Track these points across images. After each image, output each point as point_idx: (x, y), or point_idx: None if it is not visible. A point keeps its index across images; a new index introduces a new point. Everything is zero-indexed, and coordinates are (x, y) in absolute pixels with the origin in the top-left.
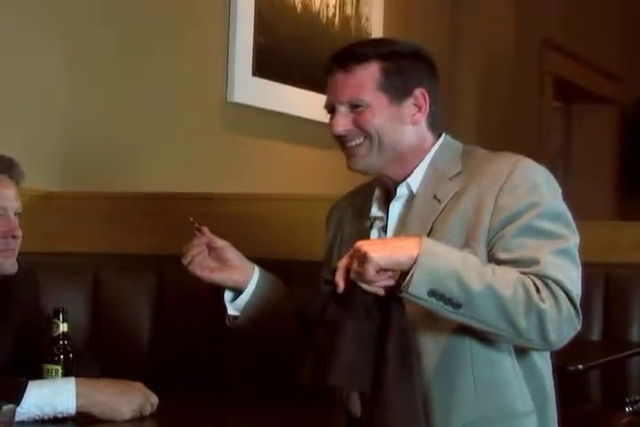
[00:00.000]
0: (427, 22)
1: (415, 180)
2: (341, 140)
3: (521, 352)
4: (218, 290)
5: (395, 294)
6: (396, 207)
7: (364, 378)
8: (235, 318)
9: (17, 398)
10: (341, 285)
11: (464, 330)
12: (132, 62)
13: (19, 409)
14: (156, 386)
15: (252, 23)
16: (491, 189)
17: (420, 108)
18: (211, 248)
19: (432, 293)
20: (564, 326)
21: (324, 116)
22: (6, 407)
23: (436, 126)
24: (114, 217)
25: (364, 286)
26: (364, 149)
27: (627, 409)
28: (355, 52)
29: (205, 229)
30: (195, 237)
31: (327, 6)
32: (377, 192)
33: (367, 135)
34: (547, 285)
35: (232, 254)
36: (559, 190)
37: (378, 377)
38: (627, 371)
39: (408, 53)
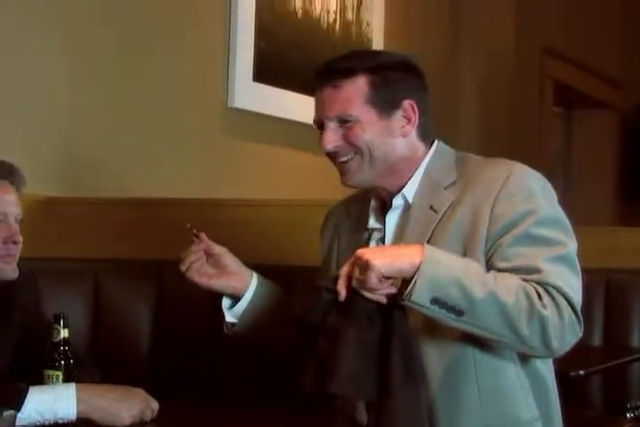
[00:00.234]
0: (427, 27)
1: (410, 190)
2: (332, 157)
3: (524, 360)
4: (216, 296)
5: (397, 302)
6: (392, 218)
7: (367, 386)
8: (233, 325)
9: (18, 403)
10: (343, 293)
11: (467, 338)
12: (133, 66)
13: (19, 415)
14: (157, 391)
15: (252, 28)
16: (486, 198)
17: (409, 120)
18: (209, 255)
19: (435, 300)
20: (565, 332)
21: (316, 126)
22: (7, 413)
23: (428, 136)
24: (114, 222)
25: (365, 293)
26: (356, 163)
27: (628, 415)
28: (341, 66)
29: (203, 235)
30: (192, 243)
31: (328, 12)
32: (373, 203)
33: (357, 150)
34: (548, 291)
35: (230, 261)
36: (555, 196)
37: (382, 385)
38: (628, 377)
39: (395, 65)
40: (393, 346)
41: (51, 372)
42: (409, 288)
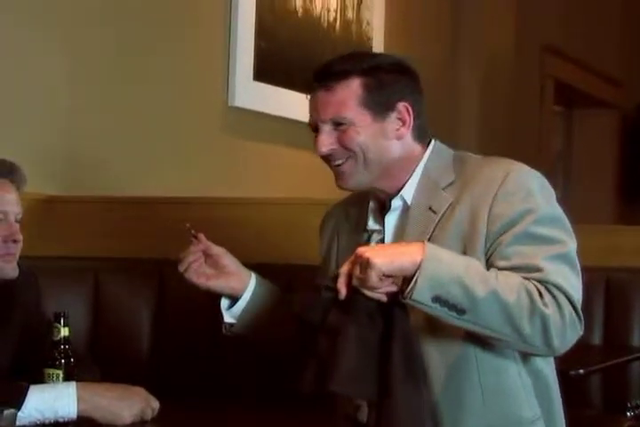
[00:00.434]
0: (427, 26)
1: (409, 191)
2: (327, 160)
3: (525, 358)
4: (216, 295)
5: (398, 301)
6: (391, 220)
7: (367, 385)
8: (231, 325)
9: (18, 402)
10: (343, 291)
11: (468, 337)
12: (133, 66)
13: (20, 414)
14: (157, 390)
15: (252, 27)
16: (485, 198)
17: (404, 123)
18: (207, 255)
19: (436, 299)
20: (567, 330)
21: (311, 128)
22: (7, 412)
23: (423, 137)
24: (114, 221)
25: (366, 292)
26: (350, 166)
27: (628, 414)
28: (335, 68)
29: (202, 235)
30: (191, 243)
31: (328, 11)
32: (372, 204)
33: (352, 153)
34: (549, 290)
35: (228, 261)
36: (553, 195)
37: (383, 384)
38: (628, 375)
39: (389, 67)
40: (394, 345)
41: (51, 370)
42: (410, 286)
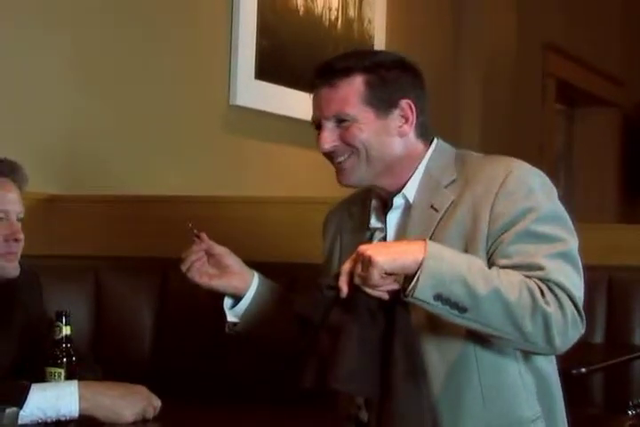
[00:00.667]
0: (429, 25)
1: (411, 190)
2: (330, 157)
3: (526, 357)
4: (218, 294)
5: (399, 299)
6: (393, 218)
7: (368, 382)
8: (234, 324)
9: (20, 400)
10: (345, 289)
11: (468, 336)
12: (134, 65)
13: (22, 412)
14: (159, 389)
15: (254, 26)
16: (486, 197)
17: (406, 120)
18: (210, 255)
19: (438, 297)
20: (568, 329)
21: (314, 126)
22: (9, 410)
23: (426, 135)
24: (116, 220)
25: (367, 290)
26: (352, 163)
27: (629, 413)
28: (337, 66)
29: (204, 235)
30: (194, 243)
31: (330, 9)
32: (374, 203)
33: (354, 150)
34: (550, 288)
35: (231, 261)
36: (555, 193)
37: (384, 382)
38: (630, 374)
39: (391, 64)
40: (395, 343)
41: (53, 369)
42: (412, 284)
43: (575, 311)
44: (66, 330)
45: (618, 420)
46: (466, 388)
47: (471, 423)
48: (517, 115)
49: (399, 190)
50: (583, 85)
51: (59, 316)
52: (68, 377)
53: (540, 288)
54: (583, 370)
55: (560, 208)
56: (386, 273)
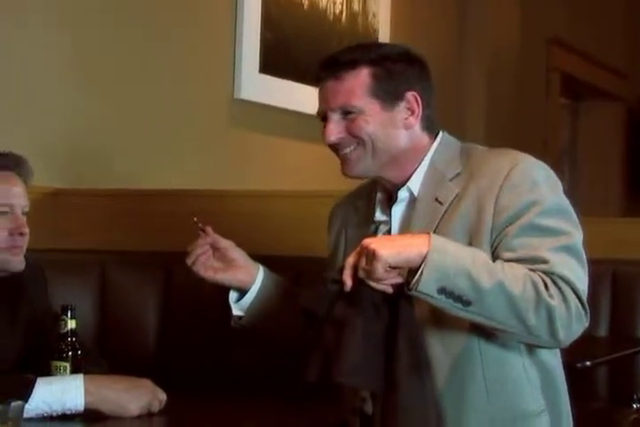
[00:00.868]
0: (433, 19)
1: (415, 183)
2: (335, 148)
3: (531, 351)
4: (223, 289)
5: (403, 292)
6: (398, 211)
7: (372, 376)
8: (240, 317)
9: (25, 394)
10: (349, 283)
11: (472, 330)
12: (138, 59)
13: (27, 406)
14: (164, 383)
15: (258, 20)
16: (491, 190)
17: (412, 112)
18: (215, 248)
19: (442, 290)
20: (572, 322)
21: (320, 118)
22: (15, 404)
23: (431, 128)
24: (121, 214)
25: (372, 283)
26: (357, 154)
27: (634, 406)
28: (344, 58)
29: (209, 229)
30: (199, 237)
31: (334, 3)
32: (379, 196)
33: (360, 141)
34: (554, 281)
35: (237, 254)
36: (559, 186)
37: (388, 375)
38: (634, 368)
39: (397, 57)
40: (399, 336)
41: (58, 363)
42: (415, 278)
43: (579, 305)
44: (71, 324)
45: (622, 413)
46: (470, 381)
47: (475, 417)
48: (522, 109)
49: (404, 183)
50: (587, 79)
51: (64, 310)
52: (74, 371)
53: (543, 281)
54: (588, 363)
55: (565, 201)
56: (390, 267)
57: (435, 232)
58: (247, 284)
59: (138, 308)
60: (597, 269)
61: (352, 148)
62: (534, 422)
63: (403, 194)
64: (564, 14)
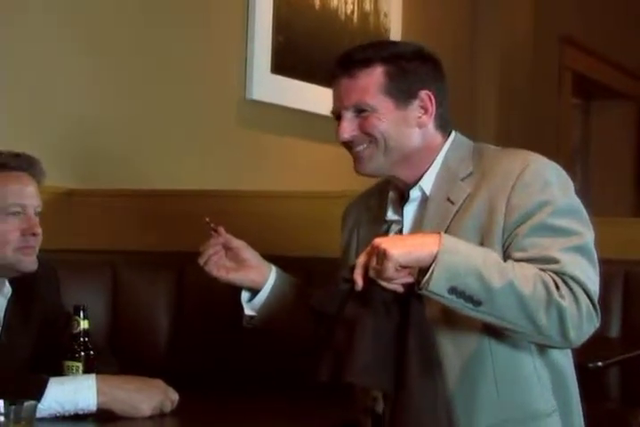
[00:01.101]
0: (445, 18)
1: (427, 182)
2: (348, 146)
3: (542, 351)
4: (235, 288)
5: (414, 291)
6: (410, 211)
7: (383, 375)
8: (251, 317)
9: (38, 394)
10: (360, 282)
11: (483, 330)
12: (151, 60)
13: (40, 406)
14: (175, 383)
15: (270, 20)
16: (502, 190)
17: (426, 111)
18: (227, 248)
19: (452, 290)
20: (583, 322)
21: (334, 115)
22: (27, 404)
23: (445, 127)
24: (133, 214)
25: (382, 283)
26: (370, 152)
27: None
28: (357, 56)
29: (221, 229)
30: (211, 237)
31: (345, 3)
32: (391, 195)
33: (373, 140)
34: (565, 282)
35: (249, 254)
36: (571, 186)
37: (399, 375)
38: None
39: (411, 55)
40: (410, 335)
41: (71, 363)
42: (426, 277)
43: (590, 305)
44: (83, 324)
45: (634, 414)
46: (480, 381)
47: (486, 417)
48: (534, 109)
49: (416, 182)
50: (600, 79)
51: (76, 310)
52: (86, 371)
53: (554, 282)
54: (600, 364)
55: (576, 202)
56: (401, 266)
57: (446, 232)
58: (259, 284)
59: (150, 308)
60: (609, 269)
61: (365, 146)
62: (545, 422)
63: (415, 193)
64: (577, 13)
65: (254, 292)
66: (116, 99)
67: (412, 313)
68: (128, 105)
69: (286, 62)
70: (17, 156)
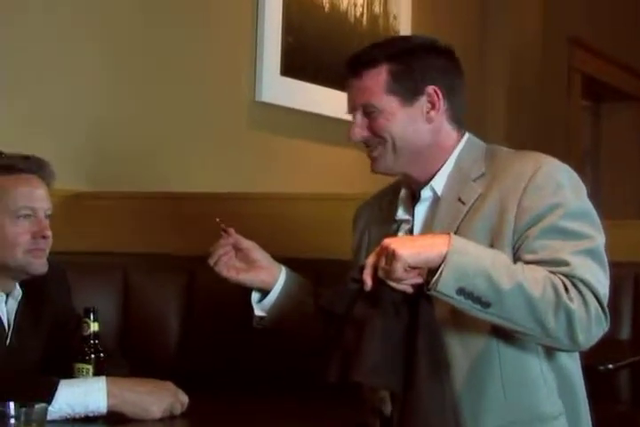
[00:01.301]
0: (454, 20)
1: (439, 182)
2: (365, 146)
3: (549, 354)
4: (246, 290)
5: (423, 292)
6: (421, 210)
7: (391, 376)
8: (261, 318)
9: (48, 396)
10: (369, 282)
11: (492, 332)
12: (161, 62)
13: (50, 408)
14: (186, 385)
15: (280, 23)
16: (514, 191)
17: (433, 106)
18: (237, 249)
19: (461, 291)
20: (592, 326)
21: (350, 116)
22: (38, 406)
23: (459, 121)
24: (143, 217)
25: (391, 283)
26: (380, 152)
27: None
28: (363, 57)
29: (231, 230)
30: (221, 237)
31: (355, 5)
32: (403, 194)
33: (382, 140)
34: (575, 284)
35: (259, 255)
36: (583, 189)
37: (407, 375)
38: None
39: (420, 50)
40: (418, 336)
41: (81, 365)
42: (435, 278)
43: (599, 308)
44: (94, 326)
45: None
46: (488, 382)
47: (492, 418)
48: (543, 111)
49: (428, 182)
50: (609, 81)
51: (87, 312)
52: (96, 373)
53: (564, 284)
54: (610, 366)
55: (588, 205)
56: (410, 267)
57: (456, 232)
58: (269, 284)
59: (160, 310)
60: (619, 272)
61: (375, 146)
62: (552, 425)
63: (426, 193)
64: (586, 15)
65: (264, 292)
66: (126, 101)
67: (421, 314)
68: (137, 107)
69: (296, 65)
70: (26, 158)
